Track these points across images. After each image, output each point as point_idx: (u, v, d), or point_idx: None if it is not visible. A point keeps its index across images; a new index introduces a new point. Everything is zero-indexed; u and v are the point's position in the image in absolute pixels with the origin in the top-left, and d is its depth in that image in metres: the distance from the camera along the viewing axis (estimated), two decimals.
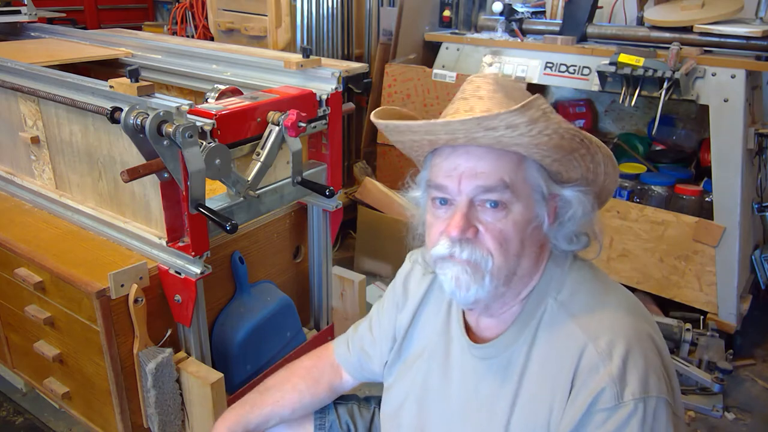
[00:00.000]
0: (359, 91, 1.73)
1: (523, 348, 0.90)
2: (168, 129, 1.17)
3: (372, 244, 2.88)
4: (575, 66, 2.55)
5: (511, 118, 0.75)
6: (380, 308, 1.19)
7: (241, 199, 1.43)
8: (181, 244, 1.35)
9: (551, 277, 0.91)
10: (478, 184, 0.84)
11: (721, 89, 2.21)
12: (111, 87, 1.29)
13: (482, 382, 0.95)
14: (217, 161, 1.26)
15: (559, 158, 0.84)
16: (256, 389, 1.23)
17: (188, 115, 1.24)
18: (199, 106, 1.33)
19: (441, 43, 2.98)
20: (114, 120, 1.21)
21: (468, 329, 1.00)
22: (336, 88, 1.60)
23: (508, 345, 0.91)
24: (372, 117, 0.92)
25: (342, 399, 1.29)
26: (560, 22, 2.71)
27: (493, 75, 0.88)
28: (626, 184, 2.58)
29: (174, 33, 3.86)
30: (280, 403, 1.20)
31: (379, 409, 1.30)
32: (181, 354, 1.46)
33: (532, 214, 0.86)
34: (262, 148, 1.42)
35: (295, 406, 1.20)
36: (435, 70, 2.89)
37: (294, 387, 1.22)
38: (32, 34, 2.34)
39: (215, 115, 1.29)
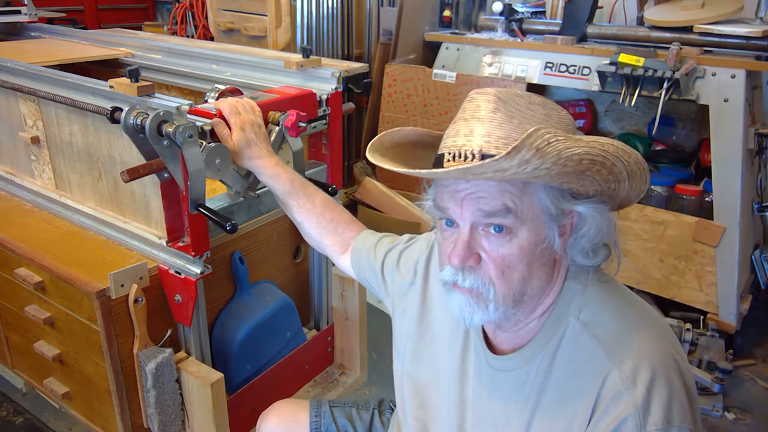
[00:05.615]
0: (359, 91, 1.72)
1: (543, 365, 0.88)
2: (168, 129, 1.17)
3: None
4: (575, 66, 2.55)
5: (497, 165, 0.72)
6: (397, 256, 1.15)
7: (241, 199, 1.43)
8: (181, 244, 1.35)
9: (572, 294, 0.88)
10: (480, 208, 0.81)
11: (721, 89, 2.21)
12: (111, 87, 1.29)
13: (497, 392, 0.93)
14: (217, 161, 1.26)
15: (567, 180, 0.79)
16: None
17: (188, 115, 1.24)
18: (199, 106, 1.33)
19: (441, 43, 2.98)
20: (114, 120, 1.21)
21: (486, 336, 0.98)
22: (336, 88, 1.60)
23: (527, 361, 0.90)
24: (368, 153, 0.91)
25: (338, 402, 1.28)
26: (560, 22, 2.72)
27: (494, 91, 0.82)
28: None
29: (174, 33, 3.86)
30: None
31: (379, 411, 1.30)
32: (181, 354, 1.46)
33: (540, 237, 0.82)
34: None
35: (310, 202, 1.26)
36: (435, 70, 2.89)
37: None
38: (32, 34, 2.34)
39: (215, 115, 1.29)
